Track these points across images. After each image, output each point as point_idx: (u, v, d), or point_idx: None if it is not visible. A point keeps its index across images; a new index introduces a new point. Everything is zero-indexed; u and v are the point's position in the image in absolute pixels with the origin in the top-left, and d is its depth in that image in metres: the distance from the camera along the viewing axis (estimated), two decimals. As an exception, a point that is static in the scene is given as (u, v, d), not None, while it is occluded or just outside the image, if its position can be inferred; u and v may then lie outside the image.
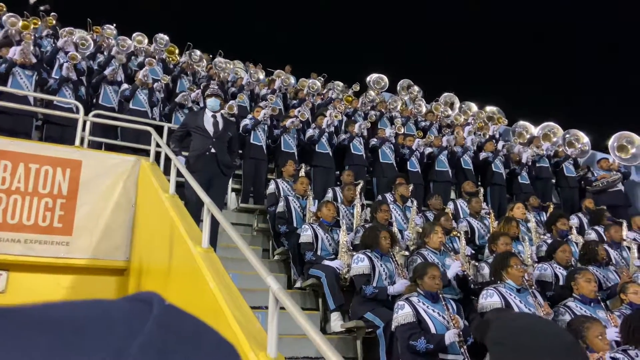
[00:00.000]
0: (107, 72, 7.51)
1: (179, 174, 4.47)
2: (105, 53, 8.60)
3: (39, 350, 0.31)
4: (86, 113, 6.27)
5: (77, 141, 5.78)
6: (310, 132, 7.67)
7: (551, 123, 10.03)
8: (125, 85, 7.46)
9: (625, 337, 3.48)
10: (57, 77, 7.01)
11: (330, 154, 7.55)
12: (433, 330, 3.60)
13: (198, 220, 4.29)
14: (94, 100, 7.45)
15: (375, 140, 8.09)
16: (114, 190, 5.33)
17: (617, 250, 5.88)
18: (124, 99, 7.31)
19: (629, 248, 5.88)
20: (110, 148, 6.58)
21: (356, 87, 10.66)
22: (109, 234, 5.24)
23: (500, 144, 8.85)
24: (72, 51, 7.49)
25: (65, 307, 0.35)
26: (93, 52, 8.42)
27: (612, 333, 3.59)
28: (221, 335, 0.38)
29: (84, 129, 6.02)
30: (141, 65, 8.09)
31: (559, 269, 4.87)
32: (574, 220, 6.95)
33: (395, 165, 7.94)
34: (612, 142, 8.73)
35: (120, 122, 6.80)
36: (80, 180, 5.22)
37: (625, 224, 6.18)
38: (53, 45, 8.31)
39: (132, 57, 8.76)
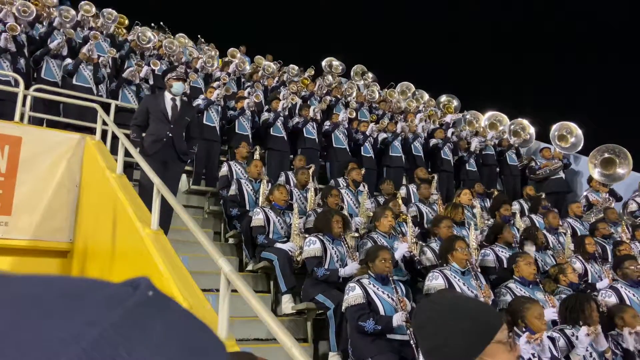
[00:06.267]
0: (52, 45, 7.08)
1: (127, 153, 4.33)
2: (44, 23, 8.10)
3: (11, 318, 0.31)
4: (27, 87, 5.93)
5: (17, 116, 5.46)
6: (265, 115, 7.60)
7: (497, 112, 10.39)
8: (68, 60, 7.08)
9: (563, 317, 3.71)
10: (-6, 48, 6.57)
11: (285, 137, 7.52)
12: (382, 311, 3.70)
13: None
14: (36, 75, 7.04)
15: (329, 124, 8.12)
16: (56, 169, 5.09)
17: (555, 236, 6.23)
18: (66, 73, 6.93)
19: (564, 233, 6.24)
20: (53, 125, 6.25)
21: (311, 71, 10.61)
22: (51, 215, 5.02)
23: (449, 132, 9.10)
24: (11, 22, 7.01)
25: (44, 280, 0.35)
26: (32, 20, 7.87)
27: (550, 313, 3.82)
28: (202, 321, 0.38)
29: (24, 104, 5.69)
30: (86, 39, 7.70)
31: (503, 251, 5.09)
32: (516, 207, 7.29)
33: (348, 150, 8.01)
34: (553, 132, 9.17)
35: (63, 97, 6.46)
36: (20, 158, 4.95)
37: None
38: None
39: (78, 29, 8.28)
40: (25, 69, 6.90)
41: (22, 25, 7.02)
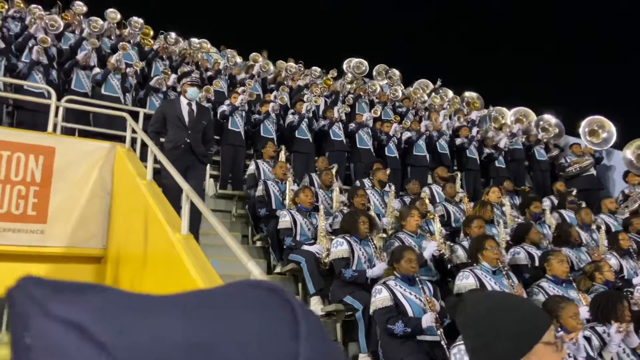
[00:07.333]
0: (79, 56, 7.28)
1: (156, 160, 4.41)
2: (76, 32, 8.33)
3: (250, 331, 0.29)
4: (58, 98, 6.11)
5: (50, 127, 5.63)
6: (290, 117, 7.64)
7: (523, 108, 10.19)
8: (97, 69, 7.27)
9: (594, 315, 3.63)
10: (27, 61, 6.79)
11: (311, 139, 7.54)
12: (410, 313, 3.66)
13: (179, 208, 4.25)
14: (67, 86, 7.26)
15: (353, 125, 8.11)
16: (89, 177, 5.23)
17: (588, 232, 6.07)
18: (95, 83, 7.12)
19: (598, 229, 6.08)
20: (84, 134, 6.43)
21: (333, 73, 10.60)
22: (85, 222, 5.16)
23: (474, 130, 8.97)
24: (41, 35, 7.24)
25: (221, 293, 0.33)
26: (62, 31, 8.09)
27: (584, 312, 3.73)
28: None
29: (56, 115, 5.86)
30: (114, 48, 7.88)
31: (533, 248, 4.99)
32: (546, 203, 7.13)
33: (372, 150, 7.98)
34: (583, 126, 8.92)
35: (94, 107, 6.64)
36: (54, 167, 5.10)
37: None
38: (21, 27, 8.02)
39: (105, 38, 8.49)
40: (57, 80, 7.11)
41: (51, 39, 7.24)
